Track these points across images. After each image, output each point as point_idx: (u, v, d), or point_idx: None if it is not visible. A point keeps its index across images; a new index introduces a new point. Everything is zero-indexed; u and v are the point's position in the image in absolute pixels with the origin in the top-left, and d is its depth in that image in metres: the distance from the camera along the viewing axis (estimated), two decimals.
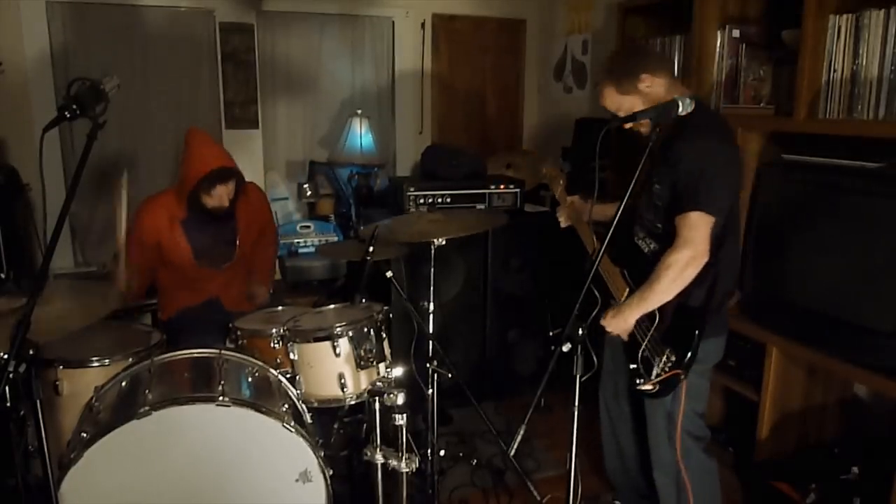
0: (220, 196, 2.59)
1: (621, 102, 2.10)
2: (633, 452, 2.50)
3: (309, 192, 4.09)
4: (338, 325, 2.14)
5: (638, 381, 2.13)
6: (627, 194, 1.75)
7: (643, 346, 2.11)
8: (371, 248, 2.29)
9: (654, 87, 2.06)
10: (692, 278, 1.99)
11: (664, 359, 2.05)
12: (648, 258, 2.14)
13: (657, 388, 2.09)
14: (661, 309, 2.07)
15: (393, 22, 4.33)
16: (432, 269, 2.43)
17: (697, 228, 1.95)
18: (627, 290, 2.18)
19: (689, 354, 2.02)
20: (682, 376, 2.04)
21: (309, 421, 2.10)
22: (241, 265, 2.85)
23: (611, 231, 1.76)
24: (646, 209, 2.17)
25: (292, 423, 1.87)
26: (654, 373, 2.07)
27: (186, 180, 2.55)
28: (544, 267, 3.65)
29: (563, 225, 2.52)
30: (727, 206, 2.01)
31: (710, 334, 2.09)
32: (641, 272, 2.10)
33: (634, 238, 2.24)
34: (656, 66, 2.08)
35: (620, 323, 2.12)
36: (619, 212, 1.75)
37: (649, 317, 2.10)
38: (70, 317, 1.79)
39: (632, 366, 2.16)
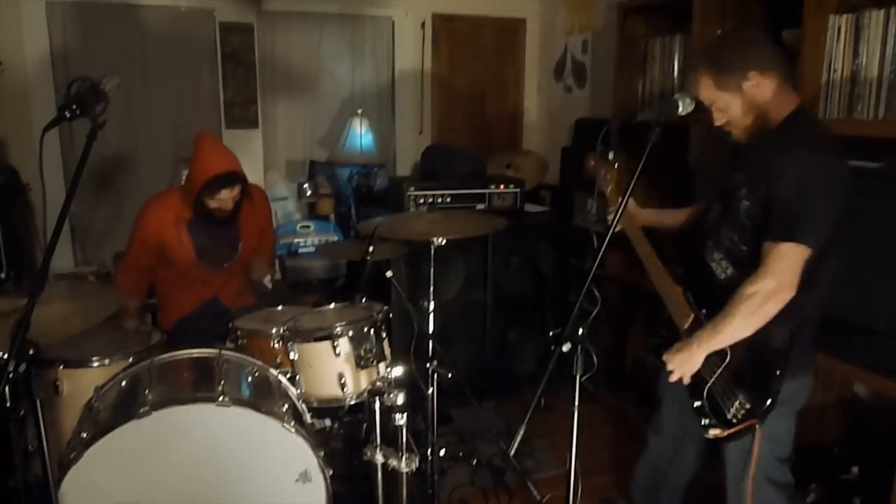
0: (223, 200, 2.59)
1: (716, 98, 1.82)
2: (674, 481, 2.29)
3: (309, 192, 4.09)
4: (338, 324, 2.13)
5: (706, 426, 1.88)
6: (628, 193, 1.72)
7: (709, 384, 1.87)
8: (371, 248, 2.29)
9: (760, 88, 1.78)
10: (774, 314, 1.72)
11: (736, 405, 1.81)
12: (723, 284, 1.87)
13: (726, 432, 1.86)
14: (734, 345, 1.80)
15: (393, 22, 4.33)
16: (432, 269, 2.43)
17: (788, 260, 1.68)
18: (692, 316, 1.92)
19: (769, 403, 1.75)
20: (759, 425, 1.79)
21: (309, 421, 2.10)
22: (240, 265, 2.85)
23: (611, 231, 1.73)
24: (728, 227, 1.88)
25: (292, 423, 1.87)
26: (727, 419, 1.83)
27: (193, 183, 2.57)
28: (544, 267, 3.65)
29: (617, 229, 1.99)
30: (825, 236, 1.72)
31: (797, 374, 1.82)
32: (711, 299, 1.86)
33: (707, 256, 1.95)
34: (767, 65, 1.78)
35: (686, 360, 1.83)
36: (622, 208, 1.71)
37: (720, 354, 1.83)
38: (69, 319, 1.80)
39: (696, 403, 1.91)
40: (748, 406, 1.79)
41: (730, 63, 1.79)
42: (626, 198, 1.71)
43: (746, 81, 1.77)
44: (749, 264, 1.78)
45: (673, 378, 1.88)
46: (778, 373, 1.75)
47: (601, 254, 1.71)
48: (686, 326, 1.92)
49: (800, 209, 1.67)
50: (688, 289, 1.96)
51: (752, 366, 1.79)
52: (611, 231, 1.73)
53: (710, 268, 1.93)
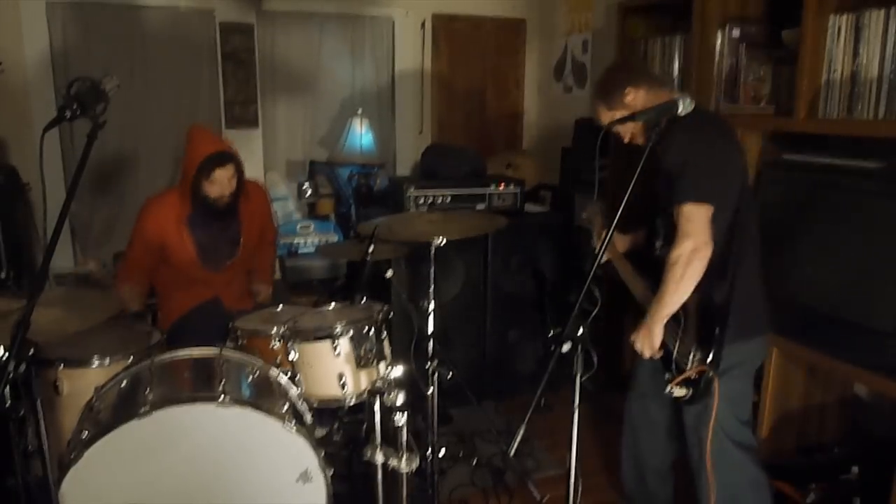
0: (220, 182, 2.59)
1: (612, 117, 2.13)
2: (653, 465, 2.42)
3: (309, 192, 4.09)
4: (338, 324, 2.13)
5: (667, 389, 2.05)
6: (628, 193, 1.72)
7: (674, 353, 2.05)
8: (371, 248, 2.29)
9: (637, 98, 2.10)
10: (702, 271, 1.93)
11: (692, 358, 1.99)
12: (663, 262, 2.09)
13: (689, 391, 2.01)
14: (685, 310, 2.01)
15: (393, 22, 4.33)
16: (432, 269, 2.43)
17: (693, 219, 1.92)
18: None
19: (714, 350, 1.94)
20: (710, 374, 1.96)
21: (309, 421, 2.10)
22: (241, 264, 2.85)
23: (611, 231, 1.74)
24: (660, 218, 2.16)
25: (293, 423, 1.87)
26: (686, 373, 2.00)
27: (187, 171, 2.58)
28: (544, 267, 3.65)
29: (603, 260, 2.39)
30: (724, 195, 1.97)
31: (747, 333, 2.03)
32: (659, 280, 2.06)
33: (655, 251, 2.20)
34: (637, 79, 2.12)
35: (648, 337, 2.05)
36: (623, 207, 1.73)
37: (675, 321, 2.04)
38: (68, 323, 1.80)
39: (666, 376, 2.09)
40: (699, 356, 1.98)
41: (609, 87, 2.15)
42: (611, 230, 1.78)
43: (626, 97, 2.10)
44: None
45: (646, 356, 2.08)
46: (718, 324, 1.95)
47: (601, 254, 1.74)
48: (645, 298, 2.13)
49: (684, 173, 1.93)
50: (648, 282, 2.18)
51: (700, 323, 2.01)
52: (611, 230, 1.78)
53: (658, 257, 2.15)
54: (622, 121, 2.02)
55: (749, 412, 2.14)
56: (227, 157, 2.58)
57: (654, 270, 2.13)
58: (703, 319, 2.00)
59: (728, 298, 1.99)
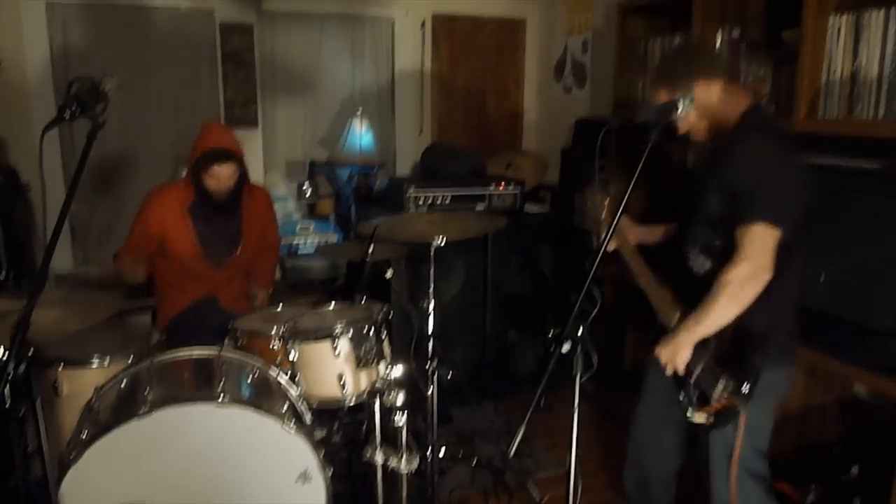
0: (217, 178, 2.60)
1: None
2: (658, 473, 2.32)
3: (309, 192, 4.09)
4: (338, 324, 2.13)
5: (688, 414, 1.92)
6: (626, 194, 1.70)
7: (695, 374, 1.91)
8: (371, 248, 2.29)
9: (708, 93, 1.90)
10: (753, 298, 1.79)
11: (720, 387, 1.85)
12: (700, 279, 1.95)
13: (712, 419, 1.88)
14: (718, 333, 1.87)
15: (393, 22, 4.33)
16: (432, 270, 2.43)
17: (760, 241, 1.76)
18: (679, 313, 1.99)
19: (749, 382, 1.80)
20: (740, 407, 1.83)
21: (309, 421, 2.10)
22: (241, 264, 2.85)
23: (611, 230, 1.72)
24: (700, 225, 1.97)
25: (292, 423, 1.87)
26: (712, 402, 1.87)
27: (191, 159, 2.61)
28: (544, 267, 3.65)
29: (610, 249, 2.11)
30: (793, 218, 1.80)
31: (777, 364, 1.88)
32: (692, 294, 1.92)
33: (688, 259, 2.03)
34: (711, 71, 1.91)
35: (675, 351, 1.90)
36: (622, 208, 1.72)
37: (704, 343, 1.90)
38: (68, 323, 1.80)
39: (681, 396, 1.96)
40: (730, 387, 1.84)
41: (677, 75, 1.93)
42: (618, 215, 1.73)
43: (696, 88, 1.89)
44: (723, 256, 1.86)
45: (668, 372, 1.95)
46: (758, 354, 1.81)
47: (601, 254, 1.71)
48: (675, 323, 1.98)
49: (759, 191, 1.77)
50: (674, 291, 2.03)
51: (734, 350, 1.85)
52: (611, 231, 1.71)
53: (690, 269, 2.01)
54: (623, 120, 1.95)
55: (767, 444, 2.01)
56: (227, 155, 2.60)
57: (679, 277, 2.03)
58: (738, 345, 1.85)
59: (770, 325, 1.85)
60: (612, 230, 1.71)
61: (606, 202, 2.22)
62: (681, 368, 1.92)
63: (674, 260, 2.09)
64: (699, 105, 1.89)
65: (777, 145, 1.83)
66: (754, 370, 1.81)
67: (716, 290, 1.82)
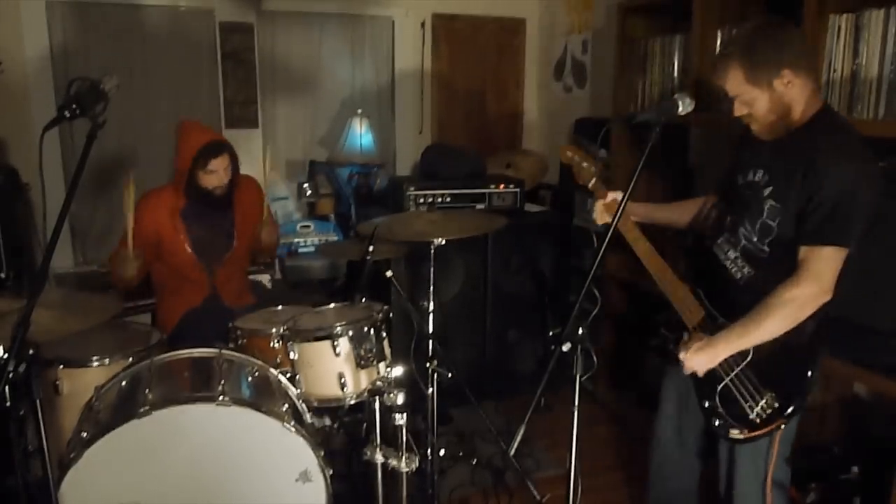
0: (216, 172, 2.60)
1: (743, 91, 1.75)
2: (683, 487, 2.24)
3: (309, 192, 4.09)
4: (338, 324, 2.13)
5: (722, 426, 1.85)
6: (627, 194, 1.70)
7: (725, 381, 1.84)
8: (371, 248, 2.29)
9: (791, 87, 1.71)
10: (806, 316, 1.71)
11: (763, 403, 1.77)
12: (739, 284, 1.86)
13: (747, 432, 1.83)
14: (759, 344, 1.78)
15: (393, 22, 4.33)
16: (432, 269, 2.43)
17: (829, 263, 1.67)
18: (703, 314, 1.90)
19: (798, 402, 1.73)
20: (784, 426, 1.77)
21: (309, 421, 2.10)
22: (238, 259, 2.85)
23: (611, 229, 1.70)
24: (747, 226, 1.84)
25: (292, 423, 1.87)
26: (751, 418, 1.80)
27: (182, 163, 2.59)
28: (544, 267, 3.65)
29: (598, 222, 2.09)
30: (859, 234, 1.70)
31: (817, 375, 1.81)
32: (726, 297, 1.84)
33: (720, 255, 1.91)
34: (802, 64, 1.72)
35: (708, 359, 1.80)
36: (619, 213, 1.71)
37: (741, 351, 1.81)
38: (68, 323, 1.80)
39: (706, 403, 1.89)
40: (776, 405, 1.76)
41: (764, 58, 1.71)
42: (625, 198, 1.68)
43: (778, 79, 1.70)
44: (769, 265, 1.77)
45: (687, 372, 1.86)
46: (809, 372, 1.74)
47: (601, 254, 1.69)
48: (696, 323, 1.90)
49: (843, 212, 1.64)
50: (697, 286, 1.92)
51: (778, 365, 1.76)
52: (611, 231, 1.69)
53: (723, 267, 1.90)
54: (625, 120, 1.85)
55: (790, 449, 1.94)
56: (221, 146, 2.61)
57: (704, 272, 1.93)
58: (781, 359, 1.76)
59: (815, 338, 1.77)
60: (619, 211, 1.64)
61: (593, 165, 2.07)
62: (702, 372, 1.84)
63: (701, 254, 1.97)
64: (776, 97, 1.72)
65: (862, 162, 1.69)
66: (804, 388, 1.74)
67: (772, 306, 1.71)
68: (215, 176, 2.60)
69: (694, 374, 1.86)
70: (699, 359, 1.82)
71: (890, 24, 2.10)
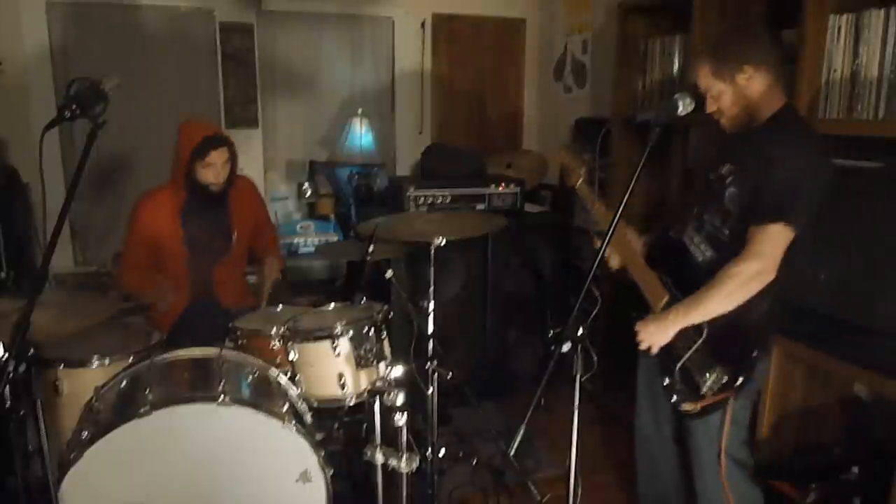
0: (215, 165, 2.59)
1: (711, 86, 1.91)
2: (673, 482, 2.31)
3: (309, 192, 4.09)
4: (338, 324, 2.13)
5: (678, 401, 1.96)
6: (627, 194, 1.69)
7: (683, 360, 1.94)
8: (371, 248, 2.29)
9: (752, 82, 1.87)
10: (752, 294, 1.81)
11: (713, 377, 1.87)
12: (702, 266, 1.96)
13: (698, 406, 1.93)
14: (712, 321, 1.88)
15: (393, 22, 4.33)
16: (432, 269, 2.43)
17: (773, 242, 1.78)
18: (667, 297, 1.99)
19: (745, 376, 1.84)
20: (733, 398, 1.88)
21: (309, 421, 2.10)
22: (236, 260, 2.85)
23: (612, 228, 1.71)
24: (710, 212, 1.97)
25: (292, 423, 1.87)
26: (702, 392, 1.90)
27: (181, 158, 2.59)
28: (544, 267, 3.65)
29: (616, 266, 2.21)
30: (807, 218, 1.82)
31: (768, 353, 1.92)
32: (688, 281, 1.92)
33: (687, 241, 2.03)
34: (762, 61, 1.86)
35: (660, 333, 1.92)
36: (619, 213, 1.72)
37: (696, 329, 1.91)
38: (68, 323, 1.80)
39: (666, 380, 1.99)
40: (725, 379, 1.86)
41: (727, 54, 1.88)
42: (627, 194, 1.68)
43: (740, 74, 1.85)
44: (729, 247, 1.87)
45: (642, 347, 1.96)
46: (756, 348, 1.85)
47: (601, 254, 1.71)
48: (661, 306, 1.98)
49: (789, 193, 1.76)
50: (666, 273, 2.02)
51: (729, 341, 1.86)
52: (608, 236, 1.69)
53: (689, 251, 2.01)
54: (627, 120, 1.92)
55: (747, 432, 2.06)
56: (221, 139, 2.61)
57: (674, 260, 2.03)
58: (732, 337, 1.86)
59: (766, 319, 1.88)
60: (612, 226, 1.67)
61: (580, 167, 2.16)
62: (655, 349, 1.94)
63: (669, 242, 2.09)
64: (739, 90, 1.87)
65: (813, 150, 1.83)
66: (750, 364, 1.84)
67: (718, 281, 1.82)
68: (212, 170, 2.60)
69: (660, 356, 1.96)
70: (649, 330, 1.92)
71: (890, 24, 2.10)
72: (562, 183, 4.04)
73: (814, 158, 1.82)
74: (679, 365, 1.95)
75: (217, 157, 2.59)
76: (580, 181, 2.18)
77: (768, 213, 1.78)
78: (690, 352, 1.92)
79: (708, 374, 1.89)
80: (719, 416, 1.93)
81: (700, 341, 1.91)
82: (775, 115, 1.88)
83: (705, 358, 1.90)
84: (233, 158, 2.66)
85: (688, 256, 2.02)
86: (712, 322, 1.88)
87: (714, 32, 2.69)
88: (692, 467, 2.09)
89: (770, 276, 1.80)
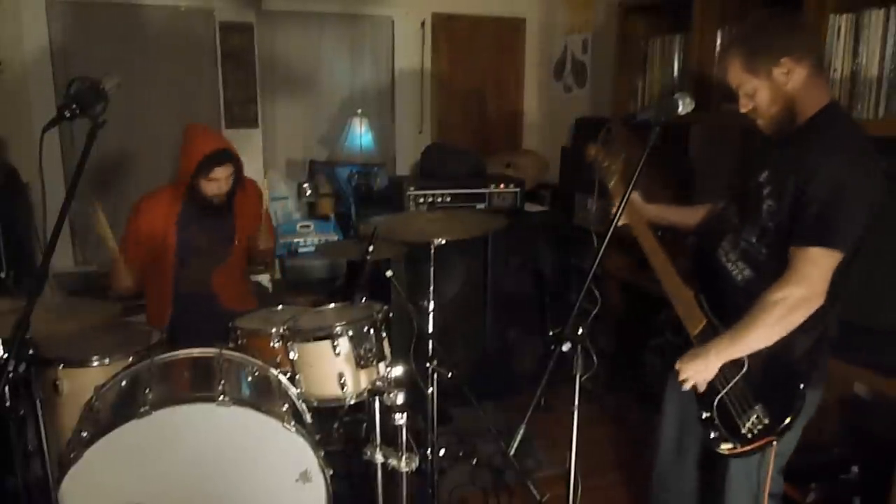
0: (218, 180, 2.59)
1: (743, 82, 1.72)
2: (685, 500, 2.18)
3: (309, 192, 4.09)
4: (338, 324, 2.13)
5: (715, 439, 1.80)
6: (631, 185, 1.68)
7: (721, 394, 1.78)
8: (371, 248, 2.29)
9: (791, 76, 1.66)
10: (798, 323, 1.63)
11: (753, 419, 1.72)
12: (739, 287, 1.80)
13: (738, 445, 1.77)
14: (752, 354, 1.72)
15: (393, 21, 4.33)
16: (432, 269, 2.43)
17: (820, 266, 1.59)
18: (705, 322, 1.83)
19: (790, 419, 1.67)
20: (776, 442, 1.70)
21: (309, 421, 2.10)
22: (237, 263, 2.85)
23: (614, 223, 1.69)
24: (747, 227, 1.79)
25: (292, 423, 1.87)
26: (741, 433, 1.75)
27: (185, 168, 2.58)
28: (544, 267, 3.65)
29: (620, 223, 1.87)
30: (855, 238, 1.62)
31: (815, 386, 1.74)
32: (726, 302, 1.78)
33: (721, 257, 1.85)
34: (802, 53, 1.65)
35: (701, 369, 1.75)
36: (619, 214, 1.71)
37: (734, 361, 1.74)
38: (68, 323, 1.80)
39: (704, 414, 1.83)
40: (766, 421, 1.70)
41: (762, 45, 1.67)
42: (629, 189, 1.66)
43: (777, 67, 1.65)
44: (768, 267, 1.70)
45: (686, 387, 1.80)
46: (801, 387, 1.67)
47: (601, 253, 1.68)
48: (697, 332, 1.83)
49: (833, 212, 1.57)
50: (700, 291, 1.86)
51: (771, 378, 1.70)
52: (614, 223, 1.66)
53: (725, 269, 1.84)
54: (626, 120, 1.84)
55: (786, 461, 1.88)
56: (227, 155, 2.59)
57: (710, 276, 1.87)
58: (775, 372, 1.70)
59: (812, 357, 1.71)
60: (624, 199, 1.62)
61: (617, 165, 2.02)
62: (702, 388, 1.79)
63: (704, 257, 1.92)
64: (776, 87, 1.67)
65: (859, 159, 1.62)
66: (796, 406, 1.67)
67: (761, 310, 1.64)
68: (216, 185, 2.60)
69: (694, 386, 1.81)
70: (692, 366, 1.77)
71: (890, 24, 2.10)
72: (562, 183, 4.04)
73: (860, 167, 1.60)
74: (717, 399, 1.79)
75: (222, 172, 2.59)
76: (615, 179, 2.01)
77: (810, 234, 1.59)
78: (729, 387, 1.77)
79: (748, 413, 1.74)
80: (759, 456, 1.77)
81: (739, 376, 1.75)
82: (816, 115, 1.69)
83: (746, 394, 1.75)
84: (238, 171, 2.66)
85: (724, 275, 1.84)
86: (753, 356, 1.72)
87: (710, 38, 2.70)
88: (723, 500, 1.92)
89: (818, 303, 1.61)
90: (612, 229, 1.66)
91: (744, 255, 1.80)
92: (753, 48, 1.68)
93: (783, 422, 1.68)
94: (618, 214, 1.67)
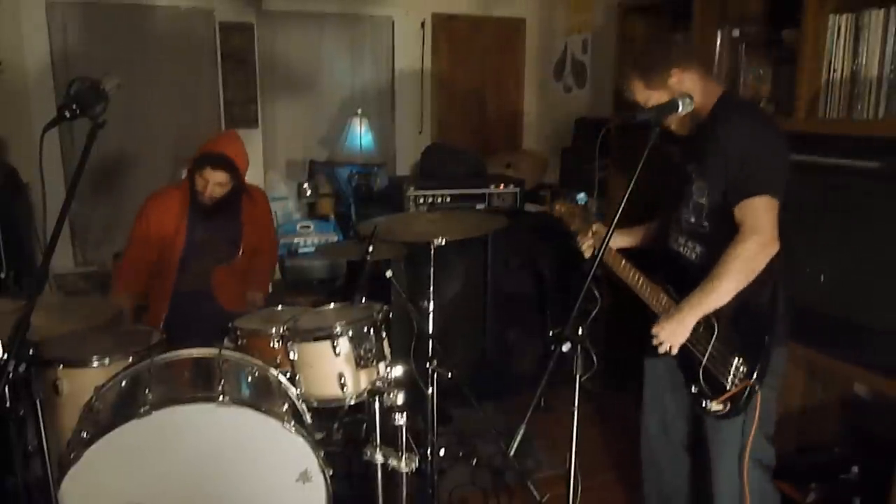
0: (206, 181, 2.61)
1: (649, 98, 1.97)
2: (680, 487, 2.27)
3: (309, 192, 4.09)
4: (338, 324, 2.13)
5: (704, 403, 1.91)
6: (626, 196, 1.68)
7: (704, 361, 1.90)
8: (371, 248, 2.29)
9: (683, 82, 1.93)
10: (759, 270, 1.80)
11: (733, 369, 1.84)
12: (695, 264, 1.98)
13: (728, 405, 1.87)
14: (719, 315, 1.86)
15: (393, 22, 4.33)
16: (432, 269, 2.43)
17: (765, 213, 1.79)
18: (664, 296, 2.01)
19: (762, 361, 1.80)
20: (757, 387, 1.81)
21: (309, 421, 2.10)
22: (238, 265, 2.85)
23: (611, 228, 1.71)
24: (685, 210, 2.01)
25: (292, 423, 1.87)
26: (728, 387, 1.85)
27: (191, 159, 2.66)
28: (544, 267, 3.65)
29: (587, 255, 2.27)
30: (784, 188, 1.82)
31: (780, 342, 1.88)
32: (689, 284, 1.90)
33: (673, 244, 2.07)
34: (686, 61, 1.95)
35: (677, 329, 1.89)
36: (618, 214, 1.71)
37: (707, 328, 1.89)
38: (68, 323, 1.80)
39: (693, 389, 1.94)
40: (744, 368, 1.83)
41: (652, 64, 1.95)
42: (628, 192, 1.68)
43: (670, 78, 1.92)
44: (712, 240, 1.90)
45: (662, 350, 1.92)
46: (768, 331, 1.81)
47: (601, 254, 1.71)
48: (661, 305, 1.99)
49: (756, 164, 1.80)
50: (668, 283, 2.02)
51: (741, 331, 1.85)
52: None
53: (679, 253, 2.04)
54: (625, 120, 1.98)
55: (773, 428, 1.99)
56: (222, 161, 2.61)
57: (673, 268, 2.04)
58: (744, 325, 1.85)
59: (773, 302, 1.85)
60: (604, 244, 1.70)
61: (576, 212, 2.30)
62: (675, 349, 1.92)
63: (665, 253, 2.10)
64: (675, 94, 1.88)
65: (759, 120, 1.89)
66: (765, 348, 1.80)
67: (724, 265, 1.80)
68: (204, 183, 2.64)
69: (680, 367, 1.94)
70: (668, 327, 1.90)
71: (890, 24, 2.10)
72: (562, 183, 4.05)
73: (764, 125, 1.87)
74: (702, 368, 1.91)
75: (210, 174, 2.62)
76: (576, 221, 2.31)
77: (745, 189, 1.80)
78: (709, 350, 1.90)
79: (729, 368, 1.86)
80: (746, 415, 1.88)
81: (714, 339, 1.89)
82: (715, 105, 1.93)
83: (724, 354, 1.88)
84: (234, 181, 2.68)
85: (680, 259, 2.04)
86: (721, 315, 1.86)
87: (710, 38, 2.75)
88: (711, 469, 2.02)
89: (774, 247, 1.80)
90: (607, 237, 1.71)
91: (691, 235, 2.01)
92: (647, 68, 1.96)
93: (758, 363, 1.81)
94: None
